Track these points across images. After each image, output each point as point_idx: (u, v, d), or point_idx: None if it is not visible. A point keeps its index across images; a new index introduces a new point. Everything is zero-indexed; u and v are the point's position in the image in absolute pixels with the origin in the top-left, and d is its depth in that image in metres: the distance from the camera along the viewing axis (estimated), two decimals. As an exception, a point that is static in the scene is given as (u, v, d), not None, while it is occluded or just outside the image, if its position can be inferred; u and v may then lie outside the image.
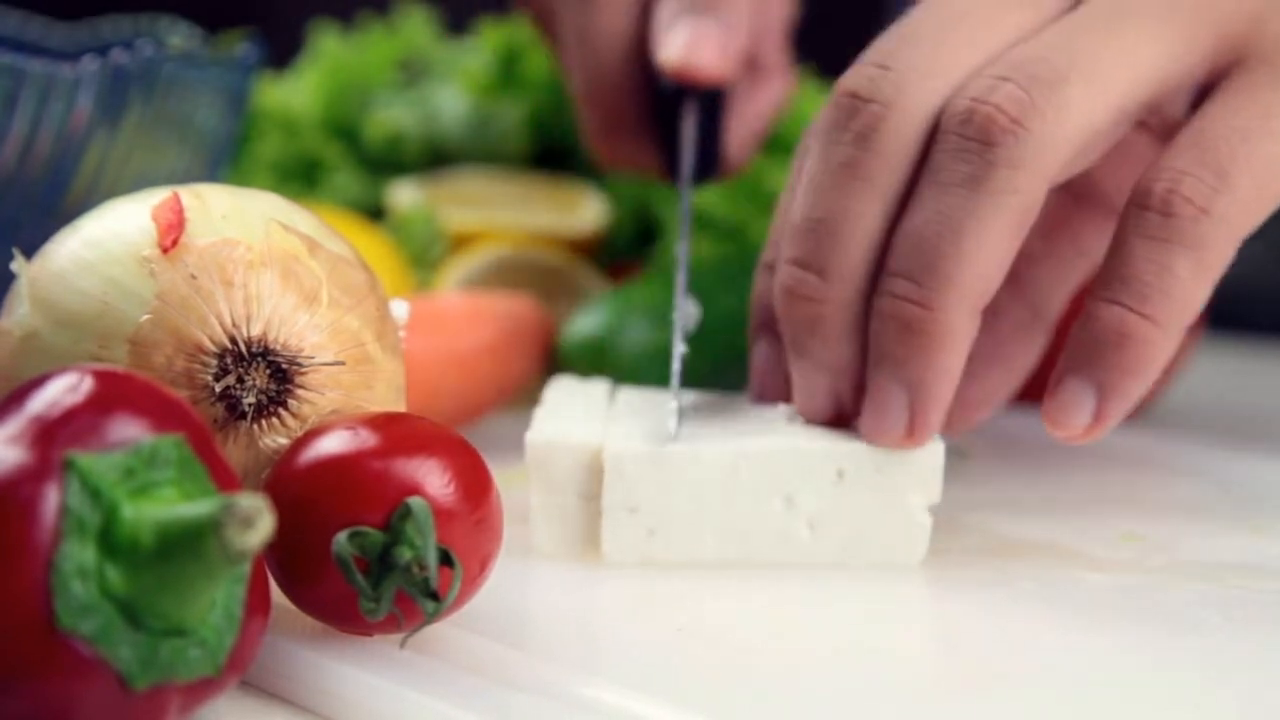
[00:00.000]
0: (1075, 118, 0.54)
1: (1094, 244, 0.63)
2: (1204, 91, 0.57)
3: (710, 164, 0.73)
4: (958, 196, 0.54)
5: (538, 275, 0.81)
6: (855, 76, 0.56)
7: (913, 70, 0.55)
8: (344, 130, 0.88)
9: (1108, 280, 0.54)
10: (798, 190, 0.57)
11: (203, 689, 0.42)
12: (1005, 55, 0.55)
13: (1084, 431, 0.55)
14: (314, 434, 0.48)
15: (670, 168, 0.75)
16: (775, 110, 0.77)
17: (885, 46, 0.56)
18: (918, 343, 0.54)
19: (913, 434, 0.55)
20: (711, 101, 0.73)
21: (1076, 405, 0.54)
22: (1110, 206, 0.63)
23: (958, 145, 0.54)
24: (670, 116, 0.74)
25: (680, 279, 0.63)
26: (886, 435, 0.55)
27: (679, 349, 0.60)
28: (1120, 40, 0.55)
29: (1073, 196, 0.63)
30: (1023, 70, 0.54)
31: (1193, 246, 0.54)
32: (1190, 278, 0.54)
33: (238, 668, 0.43)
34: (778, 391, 0.60)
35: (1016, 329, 0.63)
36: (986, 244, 0.54)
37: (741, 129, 0.75)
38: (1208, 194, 0.54)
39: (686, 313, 0.61)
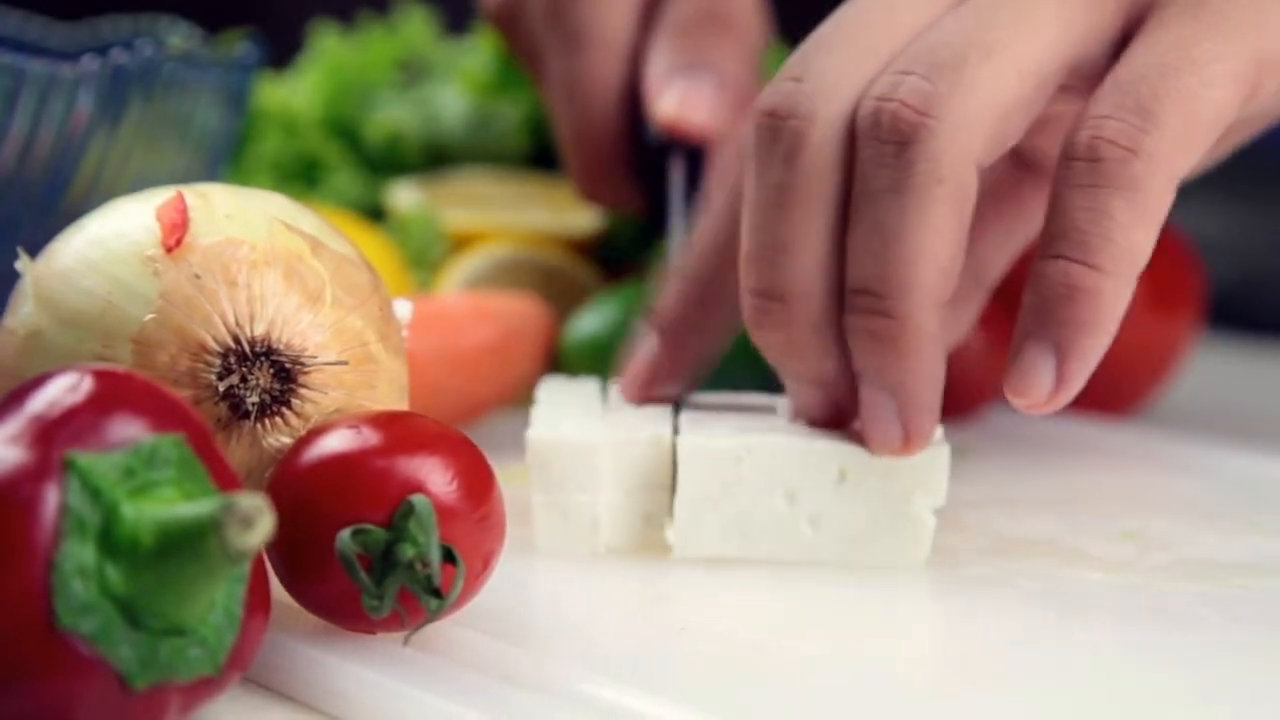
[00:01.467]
0: (983, 95, 0.53)
1: (1037, 210, 0.62)
2: (1125, 41, 0.56)
3: (693, 208, 0.74)
4: (888, 201, 0.53)
5: (538, 275, 0.81)
6: (772, 94, 0.55)
7: (824, 79, 0.55)
8: (344, 130, 0.88)
9: (1049, 238, 0.53)
10: (743, 218, 0.56)
11: (202, 688, 0.42)
12: (908, 48, 0.55)
13: (1048, 398, 0.53)
14: (317, 433, 0.48)
15: (652, 211, 0.76)
16: None
17: (799, 58, 0.56)
18: (890, 350, 0.54)
19: (909, 441, 0.55)
20: (696, 150, 0.74)
21: (1037, 370, 0.53)
22: (1047, 171, 0.61)
23: (876, 150, 0.53)
24: (654, 163, 0.75)
25: None
26: (885, 445, 0.55)
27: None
28: (1020, 11, 0.54)
29: (1017, 164, 0.62)
30: (923, 59, 0.54)
31: (1126, 188, 0.53)
32: (1129, 220, 0.53)
33: (238, 667, 0.43)
34: (648, 388, 0.60)
35: (955, 296, 0.61)
36: (930, 240, 0.53)
37: (723, 164, 0.74)
38: (1133, 134, 0.53)
39: None
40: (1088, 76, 0.56)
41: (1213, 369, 0.93)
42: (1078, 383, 0.53)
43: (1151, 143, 0.53)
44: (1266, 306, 1.07)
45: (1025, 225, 0.63)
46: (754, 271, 0.55)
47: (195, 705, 0.43)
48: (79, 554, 0.40)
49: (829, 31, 0.56)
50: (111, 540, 0.41)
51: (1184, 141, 0.53)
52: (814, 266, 0.55)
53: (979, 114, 0.53)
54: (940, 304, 0.54)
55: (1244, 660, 0.51)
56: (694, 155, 0.74)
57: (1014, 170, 0.62)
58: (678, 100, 0.73)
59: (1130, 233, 0.53)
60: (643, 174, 0.76)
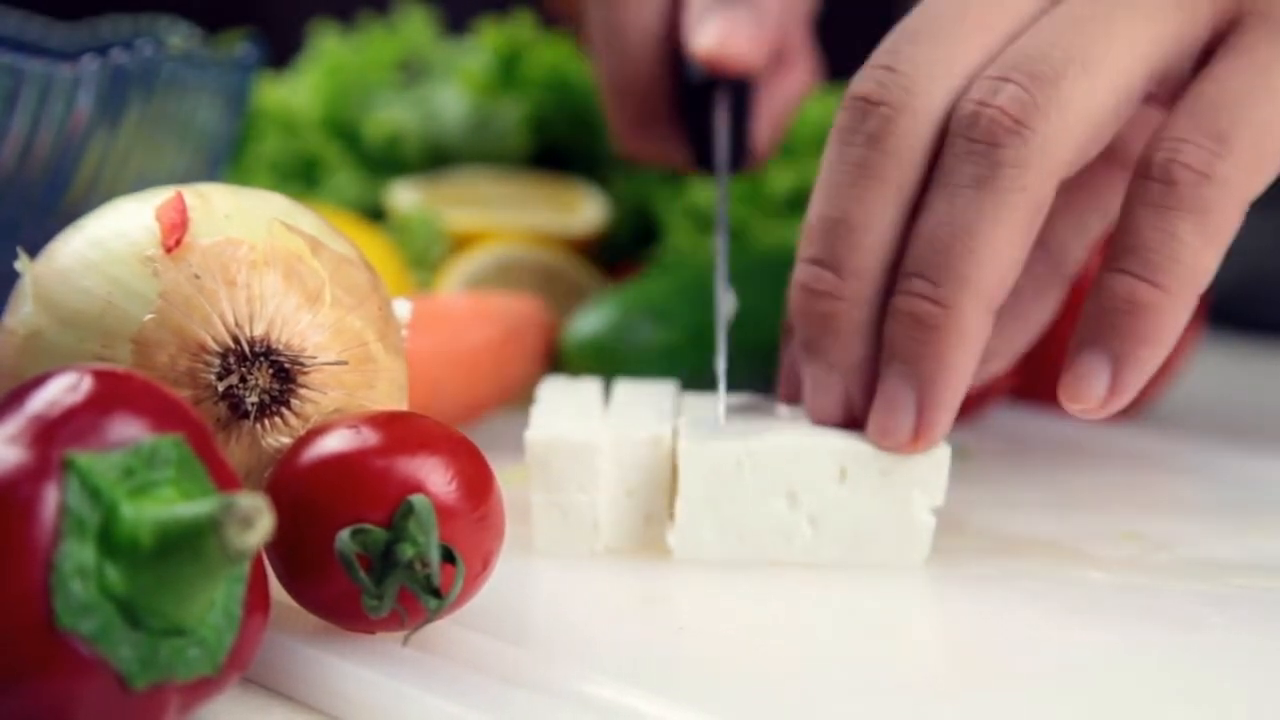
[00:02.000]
0: (1078, 111, 0.55)
1: (1111, 199, 0.64)
2: (1208, 51, 0.57)
3: (739, 154, 0.75)
4: (968, 198, 0.54)
5: (538, 275, 0.81)
6: (864, 80, 0.56)
7: (919, 71, 0.56)
8: (344, 130, 0.88)
9: (1117, 251, 0.55)
10: (815, 191, 0.57)
11: (202, 688, 0.42)
12: (1006, 52, 0.56)
13: (1101, 403, 0.55)
14: (316, 433, 0.48)
15: (698, 159, 0.76)
16: (800, 98, 0.79)
17: (891, 47, 0.57)
18: (931, 339, 0.54)
19: (919, 436, 0.55)
20: (740, 92, 0.75)
21: (1092, 377, 0.54)
22: (1126, 163, 0.62)
23: (965, 148, 0.55)
24: (698, 108, 0.76)
25: (720, 268, 0.64)
26: (893, 435, 0.55)
27: (722, 338, 0.61)
28: (1116, 23, 0.55)
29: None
30: (1022, 69, 0.55)
31: (1196, 212, 0.54)
32: (1197, 243, 0.54)
33: (237, 667, 0.43)
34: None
35: (1035, 281, 0.63)
36: (999, 243, 0.54)
37: (768, 118, 0.77)
38: (1207, 159, 0.54)
39: (726, 302, 0.63)
40: (1172, 86, 0.57)
41: (1213, 369, 0.93)
42: (1130, 392, 0.55)
43: (1224, 168, 0.54)
44: (1266, 306, 1.07)
45: (1100, 214, 0.64)
46: (816, 241, 0.56)
47: (195, 705, 0.43)
48: (78, 554, 0.40)
49: (922, 21, 0.57)
50: (111, 540, 0.41)
51: (1256, 167, 0.55)
52: (877, 246, 0.56)
53: (1072, 130, 0.55)
54: (989, 310, 0.55)
55: (1244, 660, 0.51)
56: (739, 94, 0.74)
57: (1093, 160, 0.63)
58: (717, 33, 0.74)
59: (1196, 254, 0.54)
60: (687, 120, 0.77)
